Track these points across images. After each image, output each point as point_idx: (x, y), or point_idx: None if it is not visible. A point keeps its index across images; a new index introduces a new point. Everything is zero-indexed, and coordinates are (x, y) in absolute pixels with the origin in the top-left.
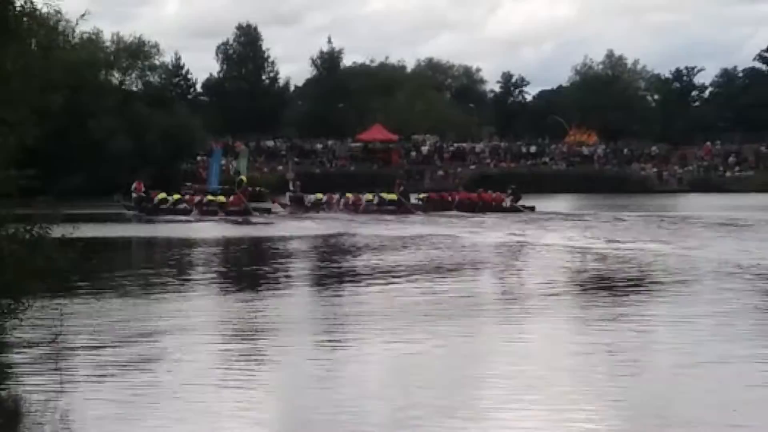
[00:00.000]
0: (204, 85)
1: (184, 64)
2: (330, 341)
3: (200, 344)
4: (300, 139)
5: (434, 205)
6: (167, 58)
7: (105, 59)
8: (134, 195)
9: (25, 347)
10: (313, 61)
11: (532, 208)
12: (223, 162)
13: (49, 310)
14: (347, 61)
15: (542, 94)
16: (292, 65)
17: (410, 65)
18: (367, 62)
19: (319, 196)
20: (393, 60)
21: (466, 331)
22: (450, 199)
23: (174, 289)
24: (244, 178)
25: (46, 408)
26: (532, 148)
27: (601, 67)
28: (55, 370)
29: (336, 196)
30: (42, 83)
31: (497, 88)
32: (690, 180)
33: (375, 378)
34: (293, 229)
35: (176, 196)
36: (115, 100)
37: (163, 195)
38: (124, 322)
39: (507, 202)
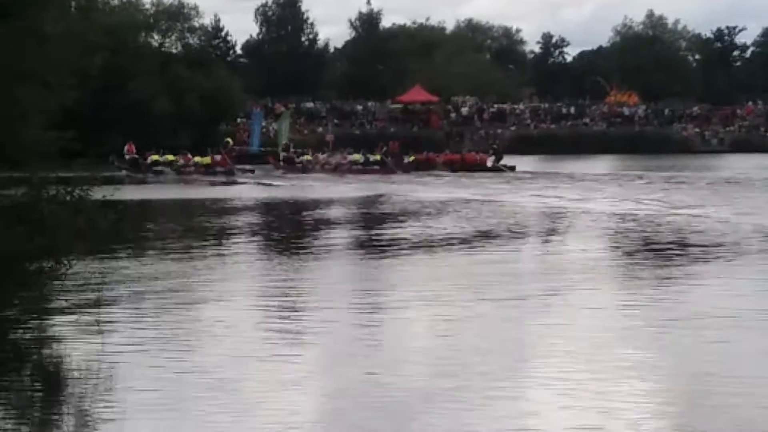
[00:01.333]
0: (243, 48)
1: (223, 27)
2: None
3: (241, 311)
4: (339, 101)
5: (421, 166)
6: (206, 21)
7: (144, 21)
8: (127, 156)
9: (66, 310)
10: (352, 23)
11: (512, 168)
12: (263, 124)
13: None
14: (387, 22)
15: (582, 55)
16: (332, 27)
17: (450, 26)
18: (408, 23)
19: (308, 157)
20: (433, 21)
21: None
22: (436, 159)
23: (213, 253)
24: (229, 140)
25: (87, 371)
26: (572, 109)
27: (641, 27)
28: (97, 333)
29: (324, 156)
30: (81, 46)
31: (537, 49)
32: (731, 140)
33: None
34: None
35: (169, 157)
36: (155, 63)
37: (155, 156)
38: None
39: (490, 162)
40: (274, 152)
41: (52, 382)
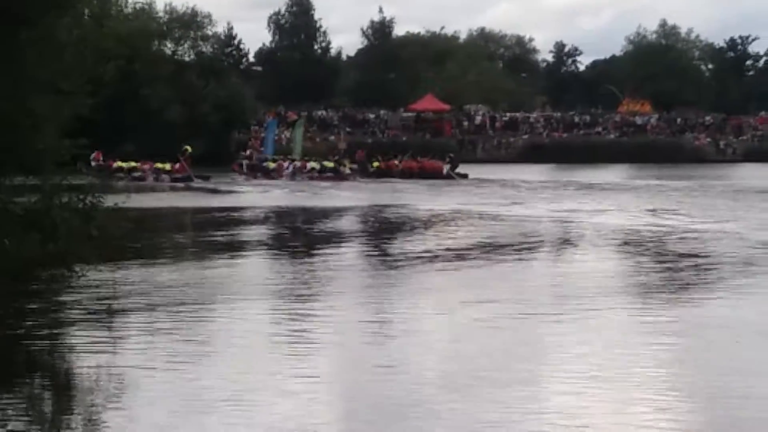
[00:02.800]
0: (256, 56)
1: (236, 35)
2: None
3: (252, 308)
4: (352, 109)
5: (381, 173)
6: (220, 29)
7: (158, 29)
8: (93, 164)
9: (79, 314)
10: (364, 31)
11: (465, 176)
12: (276, 132)
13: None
14: (401, 30)
15: (595, 64)
16: (345, 35)
17: (463, 35)
18: (422, 32)
19: (272, 164)
20: (449, 30)
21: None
22: (396, 167)
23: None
24: (188, 147)
25: (99, 373)
26: (585, 118)
27: (654, 36)
28: (109, 335)
29: (285, 164)
30: (95, 54)
31: (550, 58)
32: (744, 150)
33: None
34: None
35: (132, 164)
36: (168, 70)
37: (119, 163)
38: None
39: (445, 170)
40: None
41: (64, 391)
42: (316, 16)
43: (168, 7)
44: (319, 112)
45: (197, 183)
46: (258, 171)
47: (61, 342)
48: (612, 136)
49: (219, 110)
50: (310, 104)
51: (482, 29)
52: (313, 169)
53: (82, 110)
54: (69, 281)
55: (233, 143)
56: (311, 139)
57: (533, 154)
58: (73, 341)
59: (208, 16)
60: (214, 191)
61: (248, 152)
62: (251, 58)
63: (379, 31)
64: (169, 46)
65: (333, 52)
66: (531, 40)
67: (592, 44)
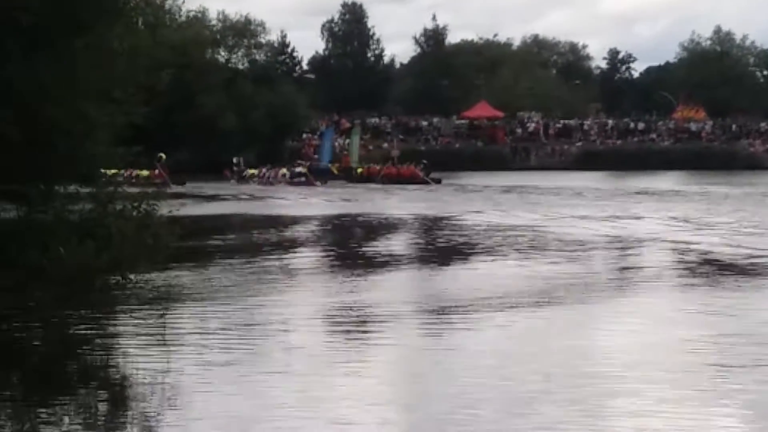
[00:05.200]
0: (309, 63)
1: (290, 42)
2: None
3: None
4: (405, 117)
5: (365, 179)
6: (273, 37)
7: (211, 37)
8: None
9: (132, 323)
10: (416, 39)
11: (438, 181)
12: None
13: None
14: (454, 38)
15: (649, 71)
16: (398, 43)
17: (516, 42)
18: (476, 39)
19: (253, 171)
20: (502, 37)
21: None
22: (377, 173)
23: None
24: (162, 155)
25: (153, 384)
26: (640, 125)
27: (709, 43)
28: (163, 346)
29: (263, 170)
30: (149, 62)
31: (604, 65)
32: None
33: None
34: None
35: (115, 171)
36: (222, 78)
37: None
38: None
39: (421, 175)
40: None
41: (118, 398)
42: (369, 24)
43: (221, 16)
44: (373, 120)
45: (173, 189)
46: (243, 177)
47: (115, 348)
48: (666, 142)
49: (272, 118)
50: (363, 112)
51: (536, 36)
52: (284, 175)
53: (136, 118)
54: (123, 288)
55: (286, 151)
56: (364, 146)
57: (587, 162)
58: (127, 347)
59: (262, 24)
60: (199, 197)
61: (304, 161)
62: (304, 66)
63: (433, 38)
64: (222, 54)
65: (386, 59)
66: (584, 47)
67: (646, 51)
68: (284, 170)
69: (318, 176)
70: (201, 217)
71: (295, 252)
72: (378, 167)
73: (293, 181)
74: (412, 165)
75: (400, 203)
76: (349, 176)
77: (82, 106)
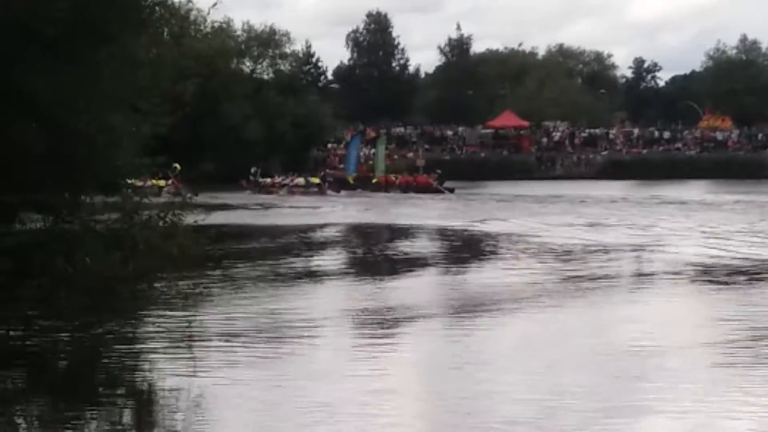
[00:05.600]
0: (334, 73)
1: (314, 52)
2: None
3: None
4: (430, 126)
5: (380, 187)
6: (298, 47)
7: (236, 48)
8: None
9: (159, 331)
10: (441, 49)
11: (452, 190)
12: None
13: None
14: (480, 47)
15: (675, 80)
16: (423, 52)
17: (541, 51)
18: (501, 49)
19: (268, 181)
20: (527, 46)
21: None
22: (394, 182)
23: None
24: (177, 165)
25: (179, 392)
26: (665, 134)
27: (734, 51)
28: (189, 354)
29: (279, 179)
30: (174, 72)
31: (629, 74)
32: None
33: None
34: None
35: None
36: (247, 88)
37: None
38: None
39: (434, 184)
40: (367, 177)
41: (145, 403)
42: (394, 34)
43: (246, 26)
44: (398, 130)
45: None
46: (258, 186)
47: (142, 357)
48: (692, 151)
49: (297, 128)
50: (388, 121)
51: (561, 45)
52: (299, 185)
53: (161, 128)
54: (150, 298)
55: (311, 161)
56: (390, 156)
57: (613, 171)
58: (154, 356)
59: (287, 34)
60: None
61: (330, 171)
62: (329, 76)
63: (457, 47)
64: (247, 65)
65: (411, 69)
66: (610, 56)
67: (671, 60)
68: (300, 179)
69: (336, 186)
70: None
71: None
72: (394, 177)
73: (308, 191)
74: (426, 175)
75: (421, 212)
76: (365, 186)
77: (107, 116)
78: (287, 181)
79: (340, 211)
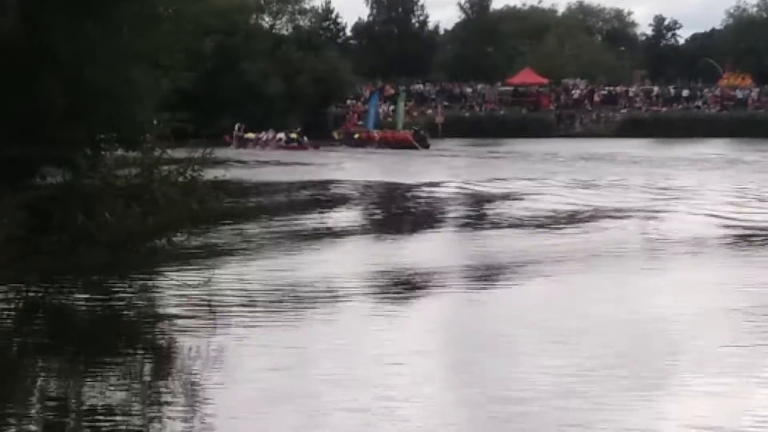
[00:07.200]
0: (353, 29)
1: (333, 8)
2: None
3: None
4: (449, 83)
5: (362, 143)
6: (317, 2)
7: (255, 3)
8: None
9: (178, 289)
10: (461, 5)
11: (427, 146)
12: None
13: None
14: (498, 4)
15: (695, 38)
16: (443, 9)
17: (561, 8)
18: (520, 6)
19: (251, 136)
20: (546, 3)
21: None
22: (374, 138)
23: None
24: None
25: (198, 350)
26: (685, 92)
27: (755, 9)
28: (208, 312)
29: (262, 135)
30: (194, 28)
31: (649, 32)
32: None
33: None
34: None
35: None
36: (266, 44)
37: None
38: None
39: (411, 140)
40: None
41: (164, 359)
42: None
43: None
44: (417, 86)
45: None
46: (243, 141)
47: (161, 312)
48: (712, 110)
49: (316, 84)
50: (408, 78)
51: (581, 2)
52: (280, 139)
53: (181, 84)
54: (169, 253)
55: (330, 117)
56: (408, 113)
57: (632, 129)
58: (172, 311)
59: None
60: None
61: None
62: (348, 32)
63: (477, 4)
64: (266, 20)
65: (430, 26)
66: (630, 13)
67: (692, 18)
68: (281, 135)
69: (314, 142)
70: None
71: None
72: (375, 133)
73: (288, 145)
74: (406, 131)
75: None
76: (348, 141)
77: (128, 72)
78: (269, 136)
79: (334, 168)
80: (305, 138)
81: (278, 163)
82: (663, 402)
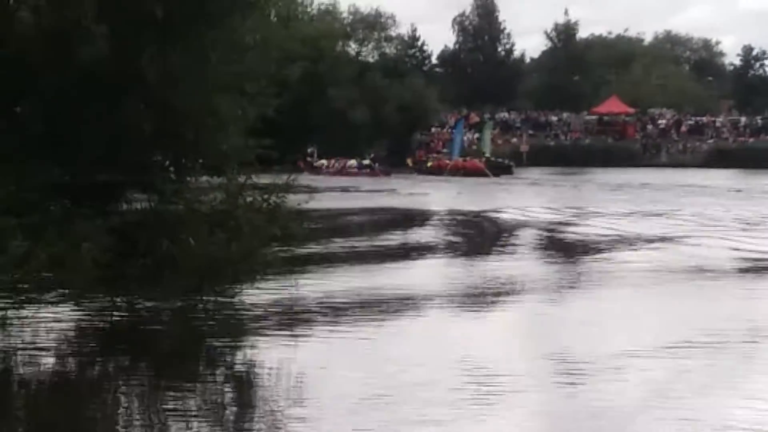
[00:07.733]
0: (439, 57)
1: (419, 36)
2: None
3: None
4: (535, 112)
5: (432, 171)
6: (403, 30)
7: (342, 30)
8: None
9: (261, 313)
10: (547, 34)
11: (498, 174)
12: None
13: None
14: (585, 32)
15: None
16: (529, 38)
17: (648, 38)
18: (605, 34)
19: (323, 162)
20: (633, 32)
21: None
22: (446, 166)
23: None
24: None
25: (279, 374)
26: None
27: None
28: (291, 336)
29: (333, 161)
30: (280, 55)
31: (737, 62)
32: None
33: None
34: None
35: None
36: (352, 71)
37: None
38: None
39: (483, 168)
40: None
41: (244, 385)
42: (500, 18)
43: (352, 8)
44: (502, 114)
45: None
46: (314, 167)
47: (243, 339)
48: None
49: (402, 111)
50: (493, 106)
51: (668, 32)
52: (352, 166)
53: (267, 111)
54: (252, 280)
55: (415, 144)
56: (494, 141)
57: (719, 159)
58: (255, 338)
59: (392, 17)
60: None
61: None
62: (434, 60)
63: (563, 33)
64: (353, 47)
65: (516, 54)
66: (717, 42)
67: None
68: (352, 161)
69: (386, 169)
70: None
71: None
72: (447, 161)
73: (360, 171)
74: (476, 159)
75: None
76: (420, 169)
77: (214, 99)
78: (341, 162)
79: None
80: (377, 164)
81: (343, 190)
82: None
